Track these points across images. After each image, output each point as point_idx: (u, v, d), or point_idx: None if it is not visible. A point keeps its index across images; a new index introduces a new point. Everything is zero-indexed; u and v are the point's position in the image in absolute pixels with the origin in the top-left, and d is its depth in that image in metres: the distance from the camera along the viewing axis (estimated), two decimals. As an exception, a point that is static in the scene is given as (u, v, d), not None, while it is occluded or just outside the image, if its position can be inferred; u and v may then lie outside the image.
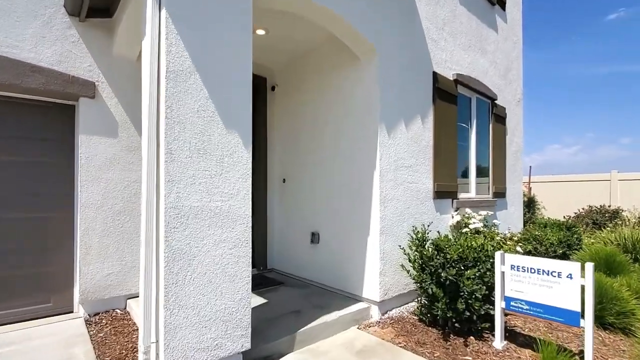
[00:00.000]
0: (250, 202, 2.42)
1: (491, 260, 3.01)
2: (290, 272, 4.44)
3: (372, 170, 3.51)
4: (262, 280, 4.18)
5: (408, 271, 3.25)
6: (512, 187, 6.23)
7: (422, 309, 3.25)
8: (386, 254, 3.49)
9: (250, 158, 2.43)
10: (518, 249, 4.17)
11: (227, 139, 2.29)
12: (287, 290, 3.88)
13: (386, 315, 3.49)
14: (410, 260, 3.24)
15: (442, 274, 2.91)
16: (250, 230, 2.42)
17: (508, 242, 4.21)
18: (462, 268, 2.91)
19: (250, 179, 2.43)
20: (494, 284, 2.89)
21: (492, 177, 5.57)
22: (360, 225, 3.60)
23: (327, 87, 4.01)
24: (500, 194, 5.75)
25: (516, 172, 6.48)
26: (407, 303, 3.80)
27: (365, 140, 3.59)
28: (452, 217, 4.52)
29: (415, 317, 3.39)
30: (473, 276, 2.85)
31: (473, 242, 3.07)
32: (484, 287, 2.88)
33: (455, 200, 4.55)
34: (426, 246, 3.24)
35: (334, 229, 3.88)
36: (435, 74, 4.22)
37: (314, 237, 4.07)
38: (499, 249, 3.30)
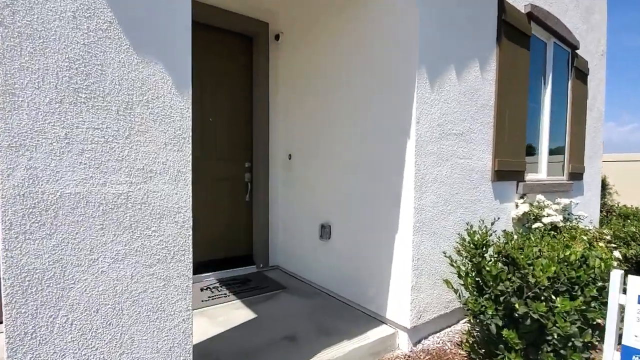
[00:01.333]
0: (190, 186, 1.43)
1: (599, 283, 1.82)
2: (296, 273, 3.48)
3: (403, 138, 2.37)
4: (259, 283, 3.25)
5: (456, 291, 2.15)
6: (590, 167, 4.76)
7: (475, 342, 2.15)
8: (422, 260, 2.39)
9: (189, 109, 1.41)
10: (616, 254, 2.88)
11: (139, 72, 1.28)
12: (287, 299, 2.92)
13: (419, 347, 2.42)
14: (460, 275, 2.13)
15: (516, 306, 1.77)
16: (190, 232, 1.43)
17: (599, 244, 2.92)
18: (554, 297, 1.75)
19: (190, 145, 1.42)
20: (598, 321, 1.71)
21: (569, 153, 4.16)
22: (384, 218, 2.51)
23: (343, 25, 2.84)
24: (576, 175, 4.34)
25: (595, 147, 4.96)
26: (450, 326, 2.70)
27: (394, 94, 2.43)
28: (517, 206, 3.27)
29: (464, 354, 2.30)
30: (571, 311, 1.69)
31: (568, 252, 1.88)
32: (588, 330, 1.72)
33: (521, 184, 3.29)
34: (487, 255, 2.09)
35: (349, 222, 2.82)
36: (501, 1, 2.90)
37: (324, 231, 3.04)
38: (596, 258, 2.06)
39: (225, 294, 2.97)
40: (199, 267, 3.32)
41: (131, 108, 1.27)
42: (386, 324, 2.50)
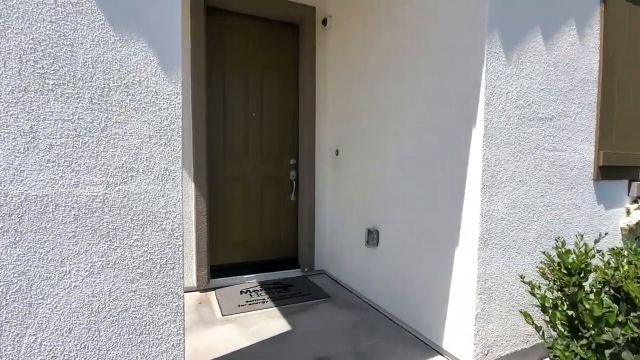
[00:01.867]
0: (180, 187, 1.19)
1: None
2: (343, 280, 3.14)
3: (466, 126, 1.87)
4: (301, 289, 3.00)
5: (539, 328, 1.59)
6: None
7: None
8: (491, 281, 1.86)
9: (179, 94, 1.16)
10: None
11: (117, 52, 1.07)
12: (328, 311, 2.60)
13: (488, 391, 1.90)
14: (544, 308, 1.57)
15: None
16: (181, 242, 1.19)
17: None
18: None
19: (180, 138, 1.18)
20: None
21: None
22: (442, 226, 2.03)
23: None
24: None
25: None
26: (531, 366, 2.10)
27: (455, 69, 1.94)
28: (629, 212, 2.47)
29: (551, 409, 1.72)
30: None
31: None
32: None
33: (635, 184, 2.47)
34: (587, 284, 1.50)
35: (400, 228, 2.38)
36: (610, -61, 2.15)
37: (371, 237, 2.64)
38: None
39: (263, 299, 2.77)
40: (242, 268, 3.19)
41: (108, 95, 1.07)
42: (442, 355, 2.03)
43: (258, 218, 3.30)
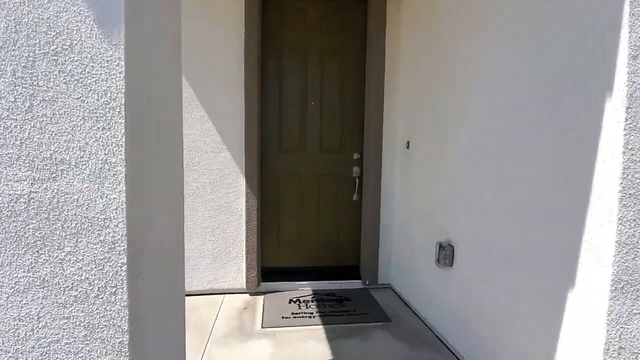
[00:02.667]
0: (123, 185, 0.88)
1: None
2: (410, 300, 2.54)
3: (598, 99, 1.13)
4: (358, 306, 2.53)
5: None
6: None
7: None
8: (630, 352, 1.10)
9: (122, 60, 0.85)
10: None
11: (44, 9, 0.82)
12: (386, 340, 2.08)
13: None
14: None
15: None
16: (125, 259, 0.89)
17: None
18: None
19: (123, 120, 0.86)
20: None
21: None
22: (546, 254, 1.32)
23: None
24: None
25: None
26: None
27: (577, 18, 1.21)
28: None
29: None
30: None
31: None
32: None
33: None
34: None
35: (482, 248, 1.70)
36: None
37: (443, 253, 2.01)
38: None
39: (311, 313, 2.41)
40: (295, 274, 2.88)
41: (33, 66, 0.82)
42: None
43: (314, 219, 2.95)
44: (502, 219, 1.57)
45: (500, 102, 1.59)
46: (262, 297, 2.67)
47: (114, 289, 0.87)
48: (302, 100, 2.86)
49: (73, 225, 0.85)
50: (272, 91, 2.81)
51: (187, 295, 2.73)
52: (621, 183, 1.06)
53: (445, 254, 1.98)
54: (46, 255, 0.85)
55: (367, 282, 2.85)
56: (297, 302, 2.57)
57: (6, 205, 0.83)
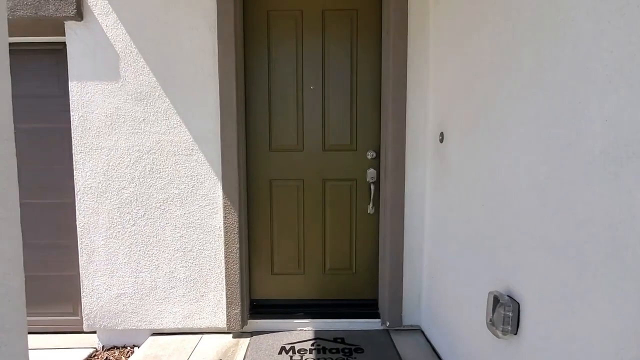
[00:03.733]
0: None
1: None
2: (445, 355, 1.77)
3: None
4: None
5: None
6: None
7: None
8: None
9: None
10: None
11: None
12: None
13: None
14: None
15: None
16: None
17: None
18: None
19: None
20: None
21: None
22: None
23: None
24: None
25: None
26: None
27: None
28: None
29: None
30: None
31: None
32: None
33: None
34: None
35: (573, 311, 0.91)
36: None
37: (500, 313, 1.22)
38: None
39: (305, 374, 1.73)
40: (293, 308, 2.21)
41: None
42: None
43: (319, 238, 2.25)
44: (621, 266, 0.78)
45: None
46: (247, 340, 2.03)
47: None
48: (297, 83, 2.16)
49: None
50: (258, 71, 2.14)
51: (156, 333, 2.17)
52: None
53: (505, 314, 1.19)
54: None
55: (387, 324, 2.10)
56: (291, 352, 1.89)
57: None
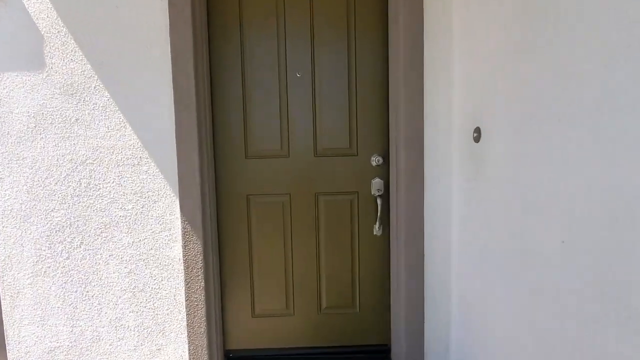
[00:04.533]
0: None
1: None
2: None
3: None
4: None
5: None
6: None
7: None
8: None
9: None
10: None
11: None
12: None
13: None
14: None
15: None
16: None
17: None
18: None
19: None
20: None
21: None
22: None
23: None
24: None
25: None
26: None
27: None
28: None
29: None
30: None
31: None
32: None
33: None
34: None
35: None
36: None
37: None
38: None
39: None
40: (281, 358, 1.69)
41: None
42: None
43: (311, 269, 1.73)
44: None
45: None
46: (218, 410, 1.51)
47: None
48: (280, 69, 1.65)
49: None
50: (227, 54, 1.63)
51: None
52: None
53: None
54: None
55: (403, 384, 1.57)
56: None
57: None
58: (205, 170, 1.52)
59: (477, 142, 1.30)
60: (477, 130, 1.29)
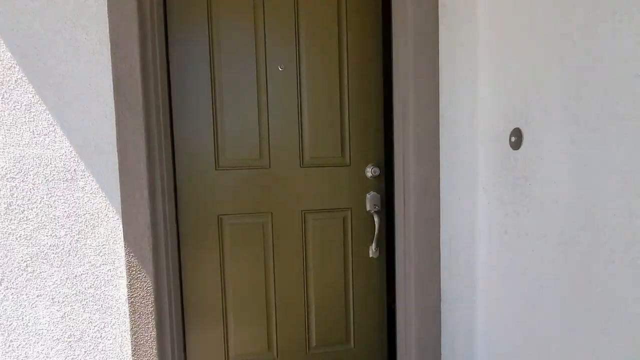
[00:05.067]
0: None
1: None
2: None
3: None
4: None
5: None
6: None
7: None
8: None
9: None
10: None
11: None
12: None
13: None
14: None
15: None
16: None
17: None
18: None
19: None
20: None
21: None
22: None
23: None
24: None
25: None
26: None
27: None
28: None
29: None
30: None
31: None
32: None
33: None
34: None
35: None
36: None
37: None
38: None
39: None
40: None
41: None
42: None
43: (298, 301, 1.38)
44: None
45: None
46: None
47: None
48: (259, 61, 1.32)
49: None
50: (192, 43, 1.30)
51: None
52: None
53: None
54: None
55: None
56: None
57: None
58: (158, 186, 1.17)
59: (517, 149, 0.95)
60: (517, 133, 0.93)
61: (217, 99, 1.32)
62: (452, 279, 1.18)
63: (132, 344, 1.18)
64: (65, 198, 1.17)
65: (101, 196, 1.18)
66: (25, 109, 1.16)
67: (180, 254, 1.31)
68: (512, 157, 0.97)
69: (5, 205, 1.17)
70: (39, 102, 1.15)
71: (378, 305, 1.41)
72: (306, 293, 1.39)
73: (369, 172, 1.32)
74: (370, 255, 1.36)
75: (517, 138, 0.95)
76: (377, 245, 1.35)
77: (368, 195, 1.33)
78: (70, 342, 1.21)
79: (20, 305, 1.20)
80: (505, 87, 0.98)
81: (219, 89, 1.31)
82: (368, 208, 1.33)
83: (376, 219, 1.33)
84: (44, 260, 1.19)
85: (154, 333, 1.17)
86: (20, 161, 1.17)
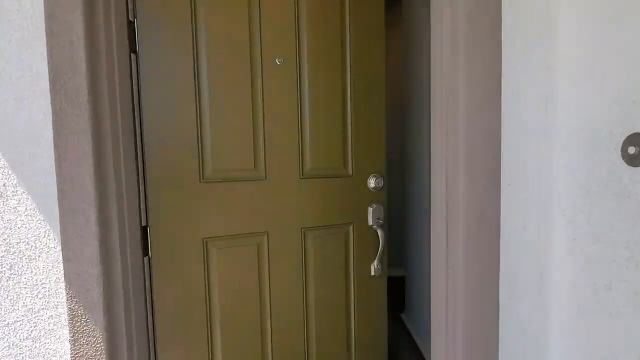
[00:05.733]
0: None
1: None
2: None
3: None
4: None
5: None
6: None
7: None
8: None
9: None
10: None
11: None
12: None
13: None
14: None
15: None
16: None
17: None
18: None
19: None
20: None
21: None
22: None
23: None
24: None
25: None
26: None
27: None
28: None
29: None
30: None
31: None
32: None
33: None
34: None
35: None
36: None
37: None
38: None
39: None
40: None
41: None
42: None
43: (297, 333, 1.06)
44: None
45: None
46: None
47: None
48: (252, 54, 1.01)
49: None
50: (167, 26, 0.99)
51: None
52: None
53: None
54: None
55: None
56: None
57: None
58: (112, 207, 0.86)
59: (636, 166, 0.60)
60: (637, 141, 0.59)
61: (202, 98, 1.00)
62: (513, 345, 0.83)
63: (76, 419, 0.87)
64: (-7, 221, 0.88)
65: (39, 219, 0.88)
66: (-59, 103, 0.86)
67: (151, 294, 1.00)
68: (627, 177, 0.62)
69: None
70: (-42, 95, 0.86)
71: (380, 328, 1.12)
72: (306, 324, 1.10)
73: (372, 183, 1.09)
74: (372, 274, 1.14)
75: (638, 149, 0.60)
76: (379, 262, 1.09)
77: (370, 209, 1.06)
78: (2, 408, 0.92)
79: (-61, 360, 0.91)
80: (617, 66, 0.64)
81: (204, 88, 1.00)
82: (370, 222, 1.10)
83: (380, 234, 1.07)
84: (13, 305, 0.90)
85: (105, 404, 0.86)
86: (-64, 172, 0.88)
